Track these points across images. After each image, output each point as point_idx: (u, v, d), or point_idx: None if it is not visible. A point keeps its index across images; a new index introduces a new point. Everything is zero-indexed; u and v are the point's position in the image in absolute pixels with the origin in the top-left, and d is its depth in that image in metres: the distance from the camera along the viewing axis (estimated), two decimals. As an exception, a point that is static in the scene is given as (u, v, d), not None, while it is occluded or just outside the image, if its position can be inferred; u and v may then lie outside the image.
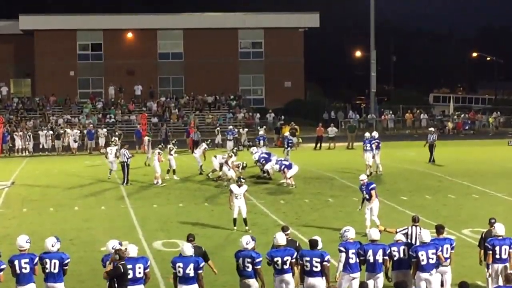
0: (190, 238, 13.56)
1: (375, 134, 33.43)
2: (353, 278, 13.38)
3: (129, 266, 12.33)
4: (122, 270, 12.17)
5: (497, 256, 13.73)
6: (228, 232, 20.41)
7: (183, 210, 24.42)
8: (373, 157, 31.87)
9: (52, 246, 12.77)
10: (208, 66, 66.37)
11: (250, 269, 12.96)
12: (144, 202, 25.93)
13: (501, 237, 13.82)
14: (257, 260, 12.98)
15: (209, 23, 67.52)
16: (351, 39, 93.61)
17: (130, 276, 12.33)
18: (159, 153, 30.20)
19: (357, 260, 13.41)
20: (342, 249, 13.42)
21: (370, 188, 20.02)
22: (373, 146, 31.78)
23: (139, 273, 12.45)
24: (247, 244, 13.08)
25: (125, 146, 31.43)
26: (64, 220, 23.05)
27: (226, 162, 28.67)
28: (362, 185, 20.28)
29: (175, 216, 23.29)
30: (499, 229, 13.94)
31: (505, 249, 13.72)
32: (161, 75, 67.85)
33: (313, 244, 13.19)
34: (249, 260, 12.95)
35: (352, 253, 13.38)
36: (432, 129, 39.68)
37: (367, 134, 33.25)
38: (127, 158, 30.08)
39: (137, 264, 12.48)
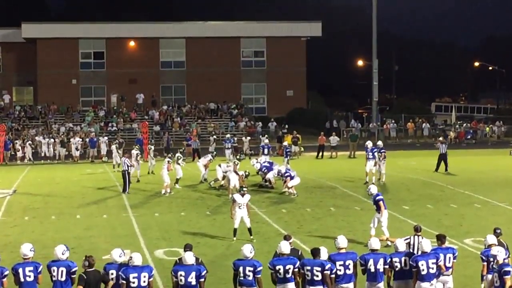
0: (187, 249, 13.41)
1: (380, 143, 33.35)
2: None
3: (135, 275, 12.41)
4: (85, 278, 12.29)
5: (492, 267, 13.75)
6: (230, 242, 20.38)
7: (184, 218, 24.40)
8: (375, 165, 31.88)
9: (63, 254, 12.77)
10: (210, 75, 66.50)
11: (251, 278, 12.89)
12: (145, 211, 25.91)
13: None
14: (259, 268, 12.93)
15: (211, 32, 67.68)
16: (353, 48, 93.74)
17: (135, 285, 12.39)
18: (168, 162, 30.12)
19: (347, 272, 13.26)
20: (329, 260, 13.28)
21: (376, 199, 19.81)
22: (376, 154, 31.84)
23: (144, 281, 12.49)
24: (250, 253, 13.06)
25: (125, 155, 31.52)
26: (66, 228, 23.04)
27: (235, 171, 28.64)
28: (370, 195, 20.18)
29: (177, 224, 23.28)
30: (491, 240, 13.95)
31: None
32: (163, 83, 67.97)
33: (314, 253, 13.15)
34: (250, 268, 12.89)
35: (340, 265, 13.24)
36: (441, 138, 39.77)
37: (369, 143, 33.28)
38: (128, 167, 30.11)
39: (143, 273, 12.53)
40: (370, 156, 31.85)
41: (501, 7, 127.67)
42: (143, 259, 14.45)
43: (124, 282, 12.41)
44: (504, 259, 12.97)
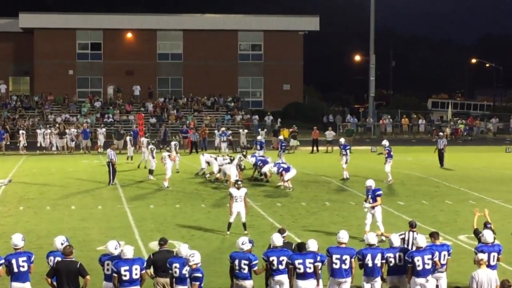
0: (161, 242, 13.60)
1: (386, 142, 32.33)
2: (339, 283, 13.35)
3: (126, 268, 12.38)
4: (54, 267, 12.39)
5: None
6: (224, 235, 20.34)
7: (179, 211, 24.39)
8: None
9: (62, 244, 12.78)
10: (207, 68, 66.41)
11: (246, 271, 12.96)
12: (140, 203, 25.89)
13: (490, 244, 13.81)
14: (254, 262, 13.00)
15: (209, 25, 67.56)
16: (350, 43, 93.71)
17: (127, 278, 12.37)
18: (168, 155, 29.81)
19: (343, 266, 13.28)
20: (327, 253, 13.39)
21: (376, 194, 19.74)
22: (348, 151, 31.98)
23: (136, 274, 12.46)
24: (242, 244, 13.10)
25: (112, 146, 30.93)
26: (60, 219, 23.01)
27: (239, 165, 28.63)
28: (368, 190, 19.98)
29: (172, 217, 23.27)
30: (488, 236, 13.93)
31: (494, 256, 13.71)
32: (160, 75, 67.86)
33: (301, 247, 13.20)
34: (246, 262, 12.96)
35: (336, 259, 13.27)
36: (441, 133, 39.77)
37: (342, 140, 33.54)
38: (112, 158, 29.74)
39: (134, 265, 12.49)
40: (344, 153, 31.98)
41: (498, 5, 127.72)
42: (138, 251, 14.46)
43: (116, 275, 12.39)
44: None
